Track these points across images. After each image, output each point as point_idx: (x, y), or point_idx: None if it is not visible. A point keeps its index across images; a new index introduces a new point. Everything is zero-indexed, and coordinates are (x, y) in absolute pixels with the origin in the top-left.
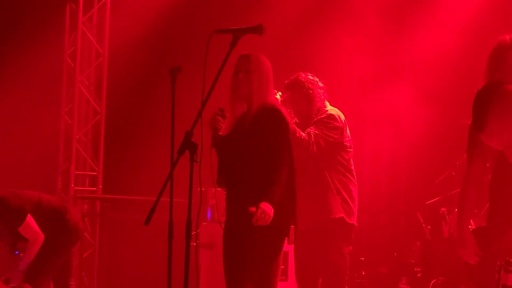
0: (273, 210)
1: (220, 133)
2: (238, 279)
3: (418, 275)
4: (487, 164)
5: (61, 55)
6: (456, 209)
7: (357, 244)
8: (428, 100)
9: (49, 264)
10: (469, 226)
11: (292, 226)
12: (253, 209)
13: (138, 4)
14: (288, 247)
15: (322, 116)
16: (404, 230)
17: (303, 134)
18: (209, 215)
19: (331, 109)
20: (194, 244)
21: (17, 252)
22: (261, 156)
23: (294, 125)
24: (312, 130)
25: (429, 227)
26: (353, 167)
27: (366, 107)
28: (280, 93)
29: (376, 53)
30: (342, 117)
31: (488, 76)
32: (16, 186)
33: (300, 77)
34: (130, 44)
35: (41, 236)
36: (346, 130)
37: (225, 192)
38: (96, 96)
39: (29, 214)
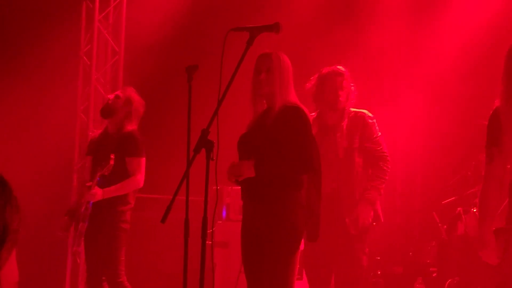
0: (253, 173)
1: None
2: (257, 277)
3: (434, 275)
4: (508, 166)
5: (77, 53)
6: (472, 209)
7: (372, 243)
8: (443, 100)
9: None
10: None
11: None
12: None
13: (154, 3)
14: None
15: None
16: (419, 229)
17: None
18: (224, 213)
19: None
20: (210, 242)
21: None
22: (282, 154)
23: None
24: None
25: (445, 227)
26: None
27: (382, 107)
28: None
29: (392, 52)
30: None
31: (506, 77)
32: (32, 183)
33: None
34: (146, 42)
35: (141, 182)
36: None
37: (242, 190)
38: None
39: (144, 158)
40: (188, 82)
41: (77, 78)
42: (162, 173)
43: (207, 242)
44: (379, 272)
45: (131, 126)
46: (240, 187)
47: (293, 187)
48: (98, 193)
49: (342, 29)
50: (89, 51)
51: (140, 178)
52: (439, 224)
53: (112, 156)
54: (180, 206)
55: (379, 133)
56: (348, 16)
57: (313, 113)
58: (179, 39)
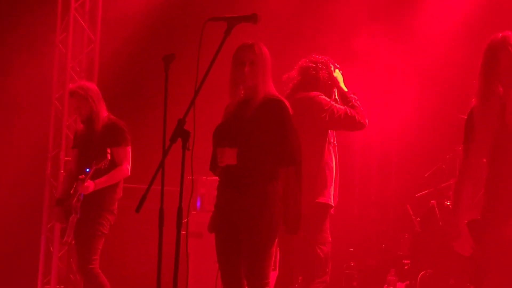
0: (235, 160)
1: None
2: (236, 268)
3: (407, 267)
4: (483, 161)
5: (53, 41)
6: (446, 202)
7: (346, 235)
8: (418, 94)
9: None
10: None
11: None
12: None
13: None
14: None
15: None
16: (393, 222)
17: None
18: (198, 203)
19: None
20: (184, 232)
21: (88, 170)
22: (266, 146)
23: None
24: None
25: (418, 219)
26: None
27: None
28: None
29: (370, 46)
30: None
31: (482, 76)
32: (5, 170)
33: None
34: (122, 31)
35: (128, 171)
36: None
37: (220, 179)
38: None
39: (130, 147)
40: (164, 72)
41: (52, 66)
42: (137, 162)
43: (181, 232)
44: (352, 264)
45: (104, 112)
46: (216, 178)
47: (273, 178)
48: (91, 186)
49: (319, 25)
50: (64, 39)
51: (127, 167)
52: (413, 217)
53: (109, 151)
54: (155, 196)
55: None
56: (326, 10)
57: None
58: (156, 28)
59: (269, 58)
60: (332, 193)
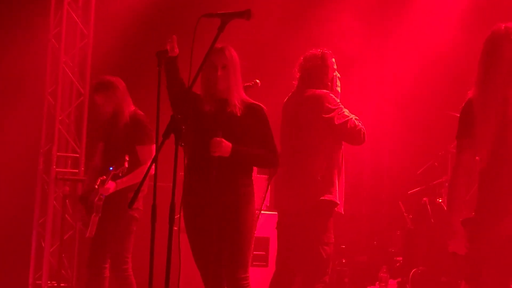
0: (229, 153)
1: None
2: (217, 263)
3: (398, 264)
4: (478, 157)
5: (46, 35)
6: (438, 199)
7: (338, 232)
8: (411, 91)
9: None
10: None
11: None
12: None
13: None
14: (269, 233)
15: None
16: (385, 219)
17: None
18: None
19: None
20: (177, 228)
21: (111, 168)
22: (251, 145)
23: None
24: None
25: (410, 216)
26: None
27: (349, 97)
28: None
29: (361, 42)
30: None
31: (482, 67)
32: None
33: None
34: (115, 26)
35: (152, 169)
36: None
37: (194, 168)
38: (80, 77)
39: (154, 145)
40: (158, 67)
41: (45, 61)
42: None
43: (174, 227)
44: (344, 261)
45: (130, 107)
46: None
47: (250, 176)
48: (112, 187)
49: (310, 19)
50: (57, 33)
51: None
52: (405, 214)
53: (127, 158)
54: (148, 191)
55: None
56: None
57: None
58: (150, 23)
59: (238, 61)
60: (338, 192)
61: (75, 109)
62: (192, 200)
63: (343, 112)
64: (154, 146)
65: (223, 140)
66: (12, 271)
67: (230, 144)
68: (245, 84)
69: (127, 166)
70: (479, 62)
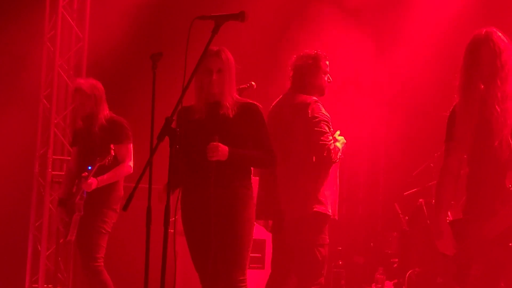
0: (226, 156)
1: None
2: (213, 267)
3: (395, 266)
4: (464, 156)
5: (41, 38)
6: (434, 201)
7: (334, 234)
8: (406, 92)
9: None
10: (447, 218)
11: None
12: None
13: None
14: (265, 236)
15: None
16: (381, 220)
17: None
18: None
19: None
20: (172, 231)
21: (90, 168)
22: (247, 146)
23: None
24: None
25: (406, 217)
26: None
27: (344, 97)
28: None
29: (355, 47)
30: None
31: (464, 71)
32: None
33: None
34: (110, 29)
35: (131, 168)
36: None
37: (192, 174)
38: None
39: (132, 144)
40: (152, 70)
41: (40, 64)
42: None
43: (169, 230)
44: (340, 262)
45: (105, 111)
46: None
47: (249, 178)
48: (94, 183)
49: (307, 23)
50: (53, 37)
51: (130, 164)
52: (401, 215)
53: (112, 147)
54: (143, 194)
55: None
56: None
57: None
58: (144, 26)
59: (234, 64)
60: (329, 201)
61: (70, 112)
62: (191, 202)
63: (324, 128)
64: (131, 146)
65: (220, 144)
66: (9, 275)
67: (226, 148)
68: (241, 86)
69: (113, 154)
70: (461, 66)
